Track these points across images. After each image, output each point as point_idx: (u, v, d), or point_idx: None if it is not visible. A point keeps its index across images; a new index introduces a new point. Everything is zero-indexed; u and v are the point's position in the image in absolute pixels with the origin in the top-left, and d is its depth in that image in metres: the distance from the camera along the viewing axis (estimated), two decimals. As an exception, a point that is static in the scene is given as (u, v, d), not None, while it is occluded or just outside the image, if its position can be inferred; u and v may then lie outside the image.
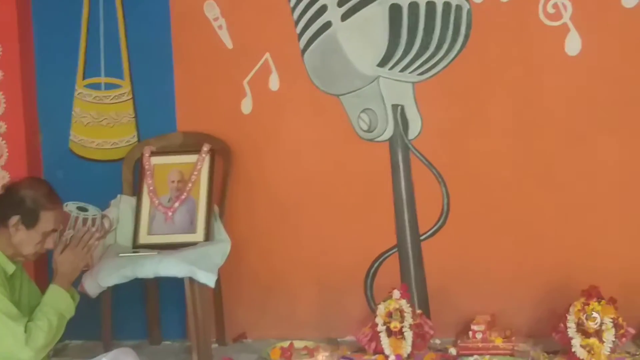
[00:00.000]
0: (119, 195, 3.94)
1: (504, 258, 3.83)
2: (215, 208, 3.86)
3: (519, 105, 3.78)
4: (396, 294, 3.57)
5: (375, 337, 3.58)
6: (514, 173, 3.81)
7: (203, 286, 3.60)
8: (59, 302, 3.09)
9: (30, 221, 3.06)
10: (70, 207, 4.02)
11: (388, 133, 3.89)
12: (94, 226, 4.01)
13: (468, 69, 3.80)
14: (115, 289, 3.68)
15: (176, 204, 3.85)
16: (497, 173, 3.82)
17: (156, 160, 3.95)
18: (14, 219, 3.06)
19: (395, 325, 3.52)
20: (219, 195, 3.90)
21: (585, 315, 3.35)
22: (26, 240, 3.06)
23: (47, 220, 3.08)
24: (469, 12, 3.75)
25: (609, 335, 3.34)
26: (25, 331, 2.95)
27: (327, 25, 3.85)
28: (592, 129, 3.74)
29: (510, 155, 3.81)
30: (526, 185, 3.79)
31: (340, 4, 3.83)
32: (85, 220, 4.05)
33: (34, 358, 2.96)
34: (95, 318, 3.75)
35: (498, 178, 3.82)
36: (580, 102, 3.74)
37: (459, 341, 3.68)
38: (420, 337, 3.58)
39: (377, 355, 3.57)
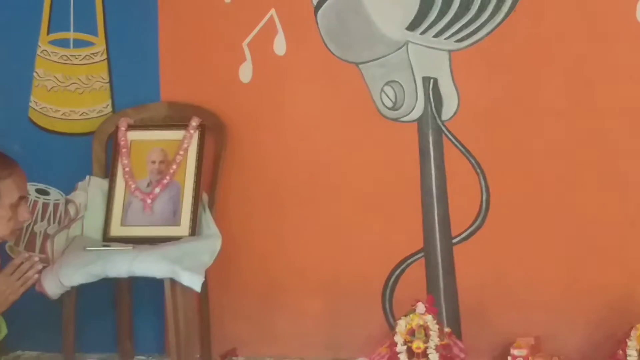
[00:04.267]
0: (87, 177, 3.99)
1: (554, 269, 3.85)
2: (205, 196, 3.92)
3: (579, 84, 3.80)
4: (421, 307, 3.59)
5: (393, 359, 3.60)
6: (569, 166, 3.83)
7: (187, 290, 3.64)
8: None
9: None
10: (29, 189, 3.92)
11: (417, 112, 3.93)
12: (57, 213, 4.10)
13: (517, 37, 3.82)
14: (81, 290, 3.71)
15: (157, 190, 3.91)
16: (549, 166, 3.84)
17: (134, 135, 4.00)
18: None
19: (418, 345, 3.55)
20: (209, 181, 3.96)
21: (649, 341, 3.43)
22: None
23: (8, 190, 3.14)
24: (520, -34, 3.82)
25: (677, 366, 3.41)
26: None
27: (347, -23, 3.94)
28: (668, 115, 3.80)
29: (566, 144, 3.82)
30: (584, 181, 3.82)
31: (363, -47, 3.90)
32: (45, 206, 4.12)
33: None
34: (55, 325, 3.82)
35: (550, 172, 3.84)
36: (654, 82, 3.78)
37: (495, 368, 3.72)
38: (448, 362, 3.62)
39: (394, 381, 3.62)
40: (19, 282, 3.08)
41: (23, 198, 3.18)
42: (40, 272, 3.17)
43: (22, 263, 3.10)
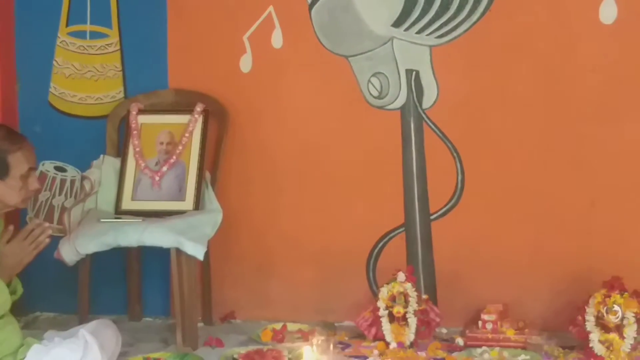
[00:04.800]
0: (101, 156, 4.07)
1: (521, 243, 3.95)
2: (207, 175, 4.01)
3: (546, 77, 3.89)
4: (401, 276, 3.70)
5: (376, 322, 3.72)
6: (536, 151, 3.92)
7: (191, 259, 3.72)
8: None
9: (0, 171, 3.21)
10: (48, 166, 4.21)
11: (400, 100, 4.02)
12: (73, 188, 4.18)
13: (491, 34, 3.91)
14: (95, 257, 3.83)
15: (164, 168, 3.98)
16: (518, 150, 3.93)
17: (144, 119, 4.07)
18: None
19: (398, 310, 3.65)
20: (211, 161, 4.05)
21: (605, 309, 3.44)
22: (6, 191, 3.21)
23: (17, 162, 3.21)
24: (495, -30, 3.86)
25: (630, 331, 3.42)
26: None
27: (338, -23, 3.99)
28: (625, 106, 3.84)
29: (534, 131, 3.92)
30: (549, 164, 3.91)
31: (353, -44, 3.95)
32: (63, 182, 4.22)
33: None
34: (71, 289, 3.93)
35: (519, 155, 3.93)
36: (613, 76, 3.84)
37: (467, 331, 3.79)
38: (426, 325, 3.72)
39: (377, 342, 3.71)
40: (31, 245, 3.12)
41: (32, 169, 3.22)
42: (50, 236, 3.15)
43: (34, 229, 3.14)
